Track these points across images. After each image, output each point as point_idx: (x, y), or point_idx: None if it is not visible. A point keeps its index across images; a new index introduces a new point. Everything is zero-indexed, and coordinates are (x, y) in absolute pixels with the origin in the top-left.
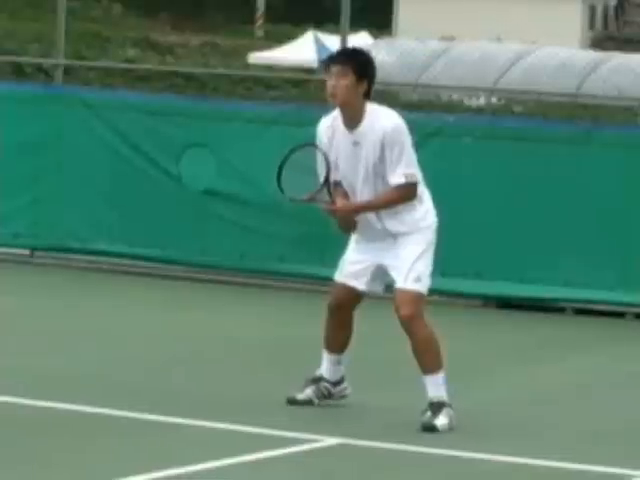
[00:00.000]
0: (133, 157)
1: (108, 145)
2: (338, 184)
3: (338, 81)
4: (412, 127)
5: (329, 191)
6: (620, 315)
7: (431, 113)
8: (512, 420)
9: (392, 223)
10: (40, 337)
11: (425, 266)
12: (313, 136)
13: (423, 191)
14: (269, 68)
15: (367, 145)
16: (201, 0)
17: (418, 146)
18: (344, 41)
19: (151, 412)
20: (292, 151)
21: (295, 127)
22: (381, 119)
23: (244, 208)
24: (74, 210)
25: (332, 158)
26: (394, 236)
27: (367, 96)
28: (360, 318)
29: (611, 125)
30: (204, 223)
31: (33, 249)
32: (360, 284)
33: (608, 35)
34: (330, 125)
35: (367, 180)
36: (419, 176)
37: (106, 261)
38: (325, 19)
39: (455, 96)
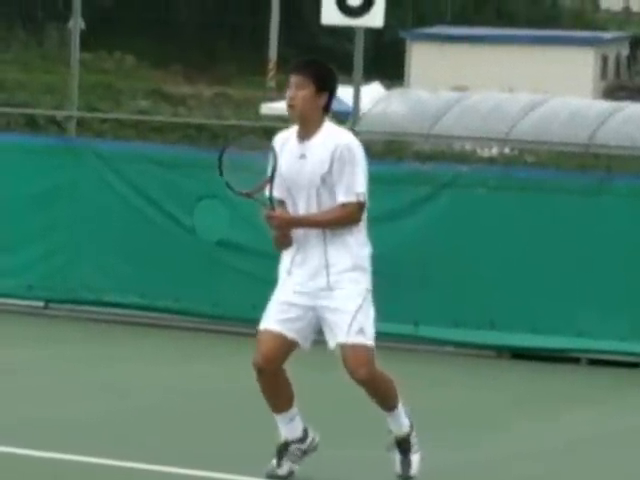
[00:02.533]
0: (146, 208)
1: (121, 197)
2: (282, 203)
3: (297, 92)
4: (425, 178)
5: (271, 201)
6: (634, 365)
7: (444, 164)
8: (517, 475)
9: (335, 249)
10: (53, 388)
11: (366, 317)
12: None
13: (362, 228)
14: (281, 118)
15: (314, 159)
16: (213, 51)
17: (431, 197)
18: (357, 91)
19: (163, 464)
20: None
21: None
22: (335, 135)
23: (257, 259)
24: (87, 262)
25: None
26: (329, 276)
27: (326, 110)
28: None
29: (624, 175)
30: (217, 274)
31: (47, 301)
32: (294, 333)
33: (620, 84)
34: (286, 136)
35: (310, 197)
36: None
37: (119, 312)
38: (338, 70)
39: (468, 146)
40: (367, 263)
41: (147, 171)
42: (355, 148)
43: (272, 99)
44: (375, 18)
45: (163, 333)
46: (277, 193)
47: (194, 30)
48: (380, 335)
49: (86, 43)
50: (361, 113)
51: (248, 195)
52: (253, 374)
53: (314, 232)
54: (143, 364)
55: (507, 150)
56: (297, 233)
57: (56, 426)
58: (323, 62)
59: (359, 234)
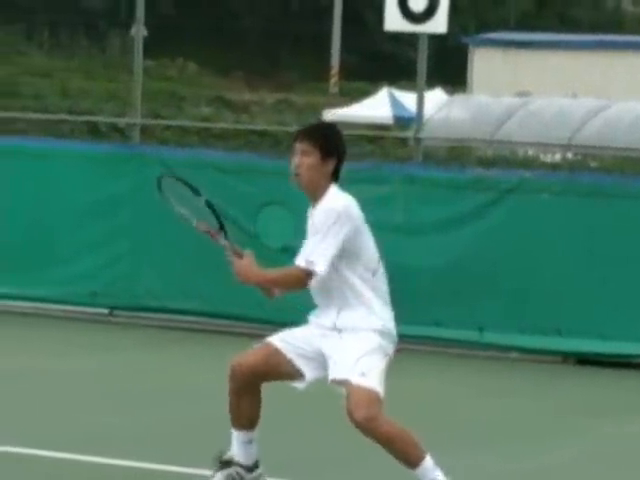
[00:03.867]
0: None
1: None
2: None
3: (302, 160)
4: (489, 184)
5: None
6: None
7: (508, 169)
8: None
9: (347, 315)
10: (118, 396)
11: (371, 364)
12: (390, 193)
13: (371, 298)
14: (344, 125)
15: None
16: (275, 58)
17: (495, 203)
18: (420, 97)
19: None
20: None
21: (371, 184)
22: (324, 201)
23: None
24: (151, 269)
25: None
26: (339, 330)
27: (336, 176)
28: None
29: None
30: None
31: (111, 308)
32: (299, 361)
33: None
34: None
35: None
36: (324, 272)
37: (182, 319)
38: (400, 76)
39: (531, 152)
40: (380, 328)
41: (210, 178)
42: (330, 214)
43: (334, 105)
44: (438, 24)
45: (226, 339)
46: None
47: (257, 37)
48: (444, 341)
49: (149, 50)
50: (424, 119)
51: (207, 232)
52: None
53: (329, 295)
54: (207, 371)
55: (570, 155)
56: (315, 291)
57: (130, 434)
58: (330, 126)
59: (370, 307)
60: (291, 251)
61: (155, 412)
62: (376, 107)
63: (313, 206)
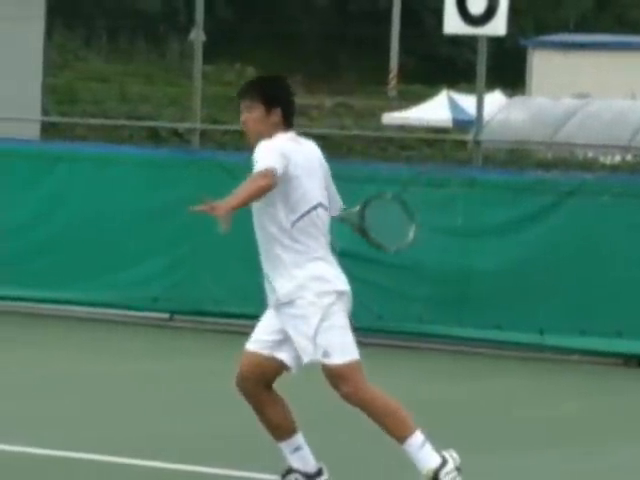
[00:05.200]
0: None
1: (244, 208)
2: None
3: (247, 116)
4: (549, 186)
5: None
6: None
7: (568, 172)
8: None
9: (278, 273)
10: (178, 400)
11: (328, 336)
12: (450, 196)
13: (298, 255)
14: (403, 128)
15: None
16: (334, 62)
17: (556, 205)
18: (480, 100)
19: None
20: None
21: (432, 187)
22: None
23: (381, 269)
24: (211, 273)
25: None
26: (277, 301)
27: (287, 124)
28: None
29: None
30: None
31: (172, 313)
32: (274, 350)
33: None
34: None
35: (266, 208)
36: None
37: (243, 324)
38: (459, 78)
39: (590, 154)
40: (310, 281)
41: None
42: (264, 145)
43: (394, 108)
44: (497, 26)
45: None
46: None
47: (315, 41)
48: (506, 344)
49: (207, 55)
50: (483, 122)
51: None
52: (391, 383)
53: (268, 261)
54: None
55: (630, 157)
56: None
57: (191, 438)
58: (270, 78)
59: (296, 255)
60: (348, 254)
61: (216, 416)
62: (435, 110)
63: None
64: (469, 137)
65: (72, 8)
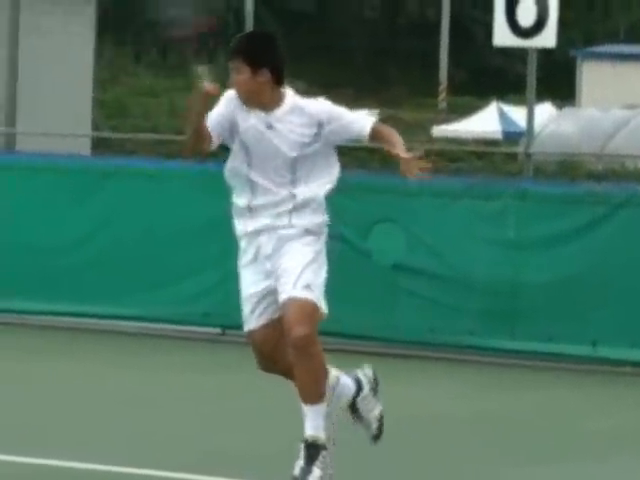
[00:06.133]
0: None
1: None
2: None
3: (236, 78)
4: (600, 198)
5: None
6: None
7: (619, 183)
8: None
9: (301, 214)
10: (232, 415)
11: (315, 275)
12: (501, 209)
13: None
14: (453, 141)
15: (283, 131)
16: (383, 75)
17: (607, 217)
18: (530, 112)
19: None
20: None
21: (482, 200)
22: (306, 102)
23: (433, 282)
24: None
25: (242, 137)
26: (280, 229)
27: (278, 82)
28: None
29: None
30: (393, 298)
31: (223, 327)
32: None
33: None
34: (234, 98)
35: (277, 168)
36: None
37: None
38: (508, 90)
39: None
40: (320, 229)
41: None
42: (326, 102)
43: (443, 121)
44: (547, 38)
45: (338, 357)
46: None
47: (365, 54)
48: (557, 356)
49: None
50: (534, 134)
51: None
52: (443, 396)
53: (284, 201)
54: None
55: None
56: (267, 200)
57: (247, 453)
58: (256, 36)
59: (317, 202)
60: (403, 268)
61: (271, 430)
62: (485, 122)
63: (266, 110)
64: (519, 149)
65: (122, 23)
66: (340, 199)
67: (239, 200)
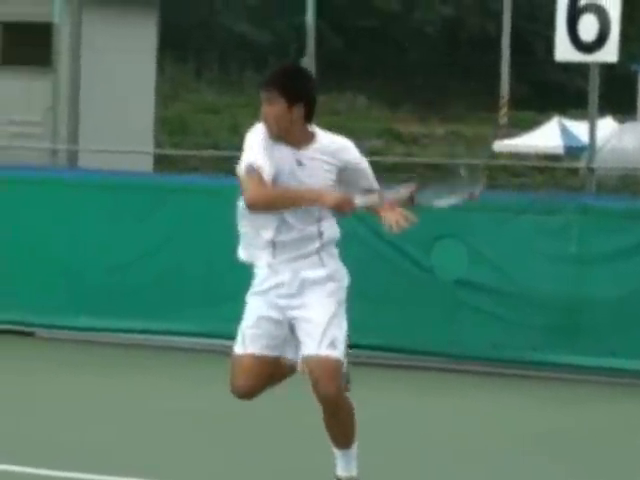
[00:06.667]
0: (384, 249)
1: (358, 237)
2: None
3: (267, 109)
4: None
5: None
6: None
7: None
8: None
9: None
10: (297, 432)
11: (339, 330)
12: (564, 224)
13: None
14: (514, 155)
15: (312, 169)
16: (444, 90)
17: None
18: (592, 127)
19: None
20: None
21: (545, 215)
22: (332, 141)
23: (496, 297)
24: None
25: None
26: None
27: (308, 118)
28: None
29: None
30: (456, 313)
31: None
32: (283, 352)
33: None
34: (268, 137)
35: (309, 210)
36: None
37: (357, 354)
38: (570, 105)
39: None
40: (341, 275)
41: None
42: (351, 145)
43: (505, 136)
44: (609, 53)
45: (401, 373)
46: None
47: (425, 69)
48: (620, 372)
49: (317, 85)
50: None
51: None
52: (507, 412)
53: (311, 239)
54: (384, 405)
55: None
56: (292, 236)
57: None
58: (295, 69)
59: (336, 242)
60: (465, 284)
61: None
62: (546, 137)
63: (296, 146)
64: (581, 164)
65: (183, 41)
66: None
67: (263, 233)
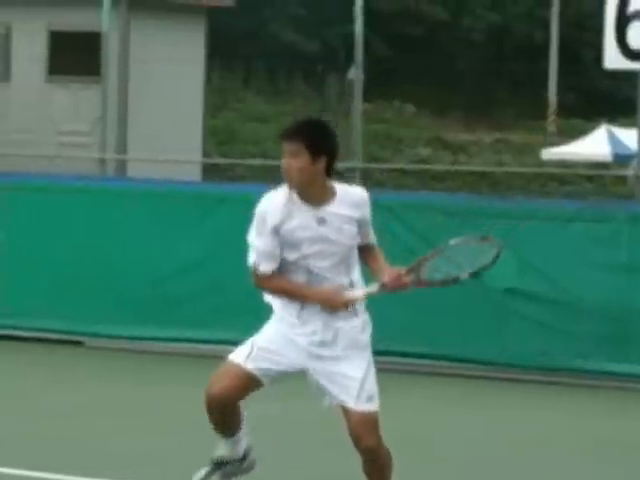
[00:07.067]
0: None
1: (407, 246)
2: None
3: (291, 162)
4: None
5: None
6: None
7: None
8: None
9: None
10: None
11: (374, 383)
12: (614, 232)
13: None
14: (562, 164)
15: (337, 224)
16: (492, 98)
17: None
18: None
19: None
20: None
21: (594, 223)
22: (352, 194)
23: (545, 306)
24: (374, 312)
25: (288, 238)
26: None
27: (329, 172)
28: None
29: None
30: (505, 322)
31: None
32: (271, 381)
33: None
34: (285, 204)
35: (337, 263)
36: None
37: (406, 362)
38: (618, 113)
39: None
40: (369, 325)
41: (432, 220)
42: (367, 197)
43: (553, 144)
44: None
45: (450, 381)
46: (273, 266)
47: (473, 77)
48: None
49: (365, 93)
50: None
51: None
52: (557, 421)
53: (344, 287)
54: (433, 414)
55: None
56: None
57: None
58: (318, 123)
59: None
60: (515, 292)
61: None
62: (594, 145)
63: (315, 204)
64: (630, 171)
65: (231, 50)
66: (452, 223)
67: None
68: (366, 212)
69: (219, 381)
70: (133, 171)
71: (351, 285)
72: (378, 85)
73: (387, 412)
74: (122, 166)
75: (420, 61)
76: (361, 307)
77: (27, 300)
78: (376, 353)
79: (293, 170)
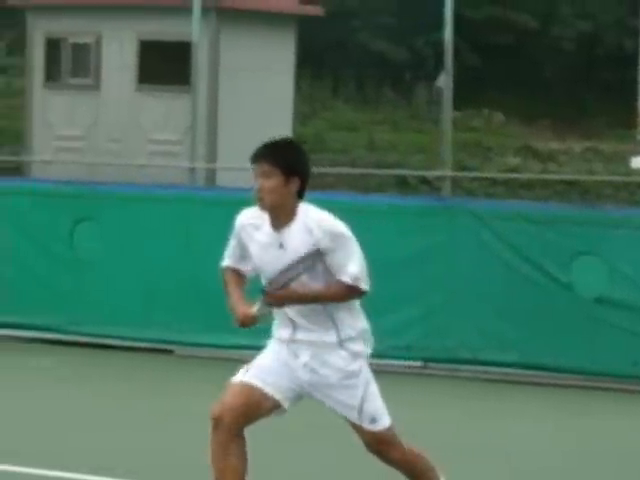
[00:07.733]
0: (522, 266)
1: (497, 255)
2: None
3: (264, 183)
4: None
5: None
6: None
7: None
8: None
9: (346, 328)
10: (435, 450)
11: (373, 402)
12: None
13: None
14: None
15: (293, 248)
16: (582, 106)
17: None
18: None
19: None
20: None
21: None
22: (314, 220)
23: (636, 315)
24: (465, 321)
25: (253, 258)
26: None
27: (300, 194)
28: None
29: None
30: (595, 331)
31: (425, 360)
32: (277, 393)
33: None
34: (256, 220)
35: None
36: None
37: (497, 371)
38: None
39: None
40: (363, 350)
41: (522, 229)
42: (343, 229)
43: None
44: None
45: (541, 391)
46: (228, 262)
47: (562, 85)
48: None
49: (454, 101)
50: None
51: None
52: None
53: (327, 333)
54: (523, 423)
55: None
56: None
57: None
58: (291, 143)
59: (354, 311)
60: (605, 301)
61: (475, 467)
62: None
63: (277, 228)
64: None
65: (320, 58)
66: (541, 231)
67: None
68: (322, 240)
69: (225, 398)
70: (222, 180)
71: (337, 329)
72: (467, 93)
73: (480, 420)
74: (212, 175)
75: (509, 69)
76: (350, 339)
77: (117, 309)
78: (466, 362)
79: (265, 191)
